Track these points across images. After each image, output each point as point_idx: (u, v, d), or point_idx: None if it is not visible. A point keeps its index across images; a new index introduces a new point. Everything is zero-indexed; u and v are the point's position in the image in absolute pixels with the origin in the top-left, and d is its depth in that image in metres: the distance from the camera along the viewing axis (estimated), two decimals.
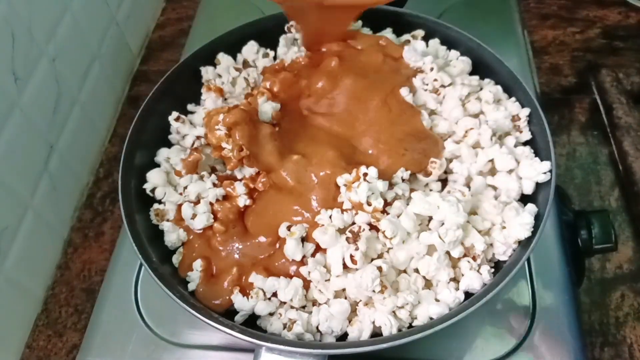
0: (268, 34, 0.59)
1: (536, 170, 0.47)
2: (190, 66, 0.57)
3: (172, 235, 0.48)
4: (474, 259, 0.44)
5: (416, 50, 0.54)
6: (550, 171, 0.47)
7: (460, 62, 0.55)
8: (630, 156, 0.68)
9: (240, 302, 0.44)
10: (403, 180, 0.47)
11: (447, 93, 0.52)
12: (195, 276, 0.46)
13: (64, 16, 0.65)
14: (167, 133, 0.55)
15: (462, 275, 0.44)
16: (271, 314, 0.44)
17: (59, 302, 0.63)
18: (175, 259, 0.48)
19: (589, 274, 0.62)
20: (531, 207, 0.46)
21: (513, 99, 0.53)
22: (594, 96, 0.77)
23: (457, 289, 0.44)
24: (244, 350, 0.50)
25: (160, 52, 0.86)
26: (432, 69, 0.53)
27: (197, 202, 0.48)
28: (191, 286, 0.46)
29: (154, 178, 0.50)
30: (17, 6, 0.56)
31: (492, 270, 0.45)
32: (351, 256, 0.42)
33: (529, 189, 0.47)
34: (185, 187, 0.49)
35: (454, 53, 0.56)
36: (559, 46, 0.83)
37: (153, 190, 0.50)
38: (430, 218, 0.44)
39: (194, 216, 0.47)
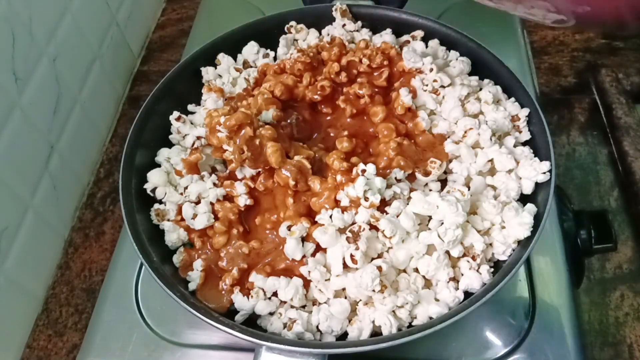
0: (268, 34, 0.59)
1: (536, 170, 0.47)
2: (191, 66, 0.57)
3: (173, 235, 0.48)
4: (474, 258, 0.44)
5: (415, 51, 0.55)
6: (550, 171, 0.47)
7: (459, 63, 0.55)
8: (629, 156, 0.68)
9: (240, 301, 0.44)
10: (397, 180, 0.47)
11: (447, 93, 0.52)
12: (195, 276, 0.46)
13: (64, 16, 0.65)
14: (167, 133, 0.55)
15: (462, 274, 0.44)
16: (271, 314, 0.45)
17: (59, 302, 0.63)
18: (176, 259, 0.48)
19: (588, 274, 0.62)
20: (531, 207, 0.46)
21: (512, 99, 0.53)
22: (594, 96, 0.77)
23: (456, 288, 0.44)
24: (244, 350, 0.50)
25: (160, 52, 0.86)
26: (431, 70, 0.53)
27: (197, 202, 0.48)
28: (192, 286, 0.46)
29: (154, 178, 0.50)
30: (17, 6, 0.56)
31: (492, 270, 0.45)
32: (351, 256, 0.42)
33: (528, 189, 0.47)
34: (186, 187, 0.49)
35: (454, 53, 0.56)
36: (559, 46, 0.83)
37: (153, 190, 0.50)
38: (430, 218, 0.44)
39: (194, 216, 0.47)
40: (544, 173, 0.46)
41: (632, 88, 0.76)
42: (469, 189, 0.46)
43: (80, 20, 0.68)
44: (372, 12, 0.60)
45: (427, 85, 0.53)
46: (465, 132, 0.49)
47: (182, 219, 0.48)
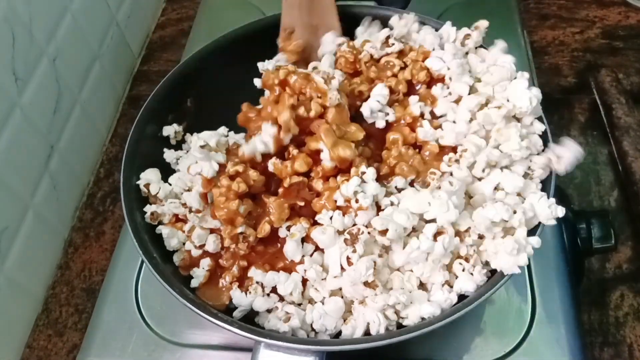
0: (268, 34, 0.59)
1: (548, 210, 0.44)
2: (192, 66, 0.57)
3: (173, 241, 0.47)
4: (467, 260, 0.44)
5: (441, 59, 0.51)
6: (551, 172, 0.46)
7: (498, 69, 0.50)
8: (629, 156, 0.68)
9: (238, 297, 0.44)
10: (398, 189, 0.46)
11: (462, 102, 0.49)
12: (200, 274, 0.46)
13: (64, 16, 0.65)
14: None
15: (456, 277, 0.44)
16: (269, 311, 0.44)
17: (59, 302, 0.63)
18: (176, 257, 0.48)
19: (588, 274, 0.62)
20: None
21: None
22: (594, 96, 0.77)
23: (450, 291, 0.44)
24: (243, 350, 0.50)
25: (160, 52, 0.86)
26: (450, 79, 0.50)
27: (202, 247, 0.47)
28: (194, 283, 0.46)
29: (147, 174, 0.49)
30: (17, 6, 0.56)
31: (488, 272, 0.44)
32: (348, 258, 0.42)
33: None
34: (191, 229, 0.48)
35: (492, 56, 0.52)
36: (559, 46, 0.83)
37: (147, 187, 0.49)
38: (426, 222, 0.44)
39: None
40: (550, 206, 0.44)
41: (632, 88, 0.76)
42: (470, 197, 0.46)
43: (80, 20, 0.68)
44: (375, 12, 0.60)
45: (449, 94, 0.49)
46: (461, 153, 0.46)
47: (177, 221, 0.48)
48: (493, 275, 0.44)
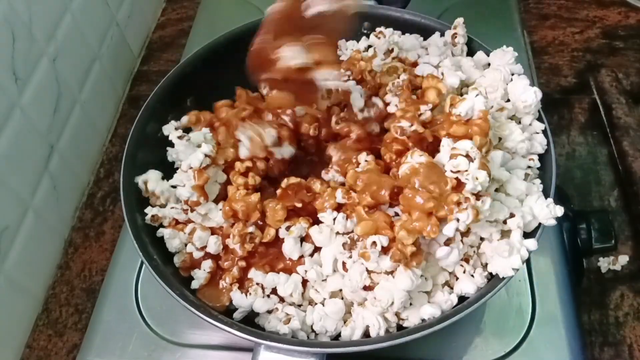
0: None
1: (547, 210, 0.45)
2: (192, 66, 0.57)
3: (174, 242, 0.48)
4: (467, 261, 0.44)
5: (428, 64, 0.53)
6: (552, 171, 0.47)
7: (492, 71, 0.51)
8: (629, 156, 0.68)
9: (238, 298, 0.44)
10: None
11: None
12: (201, 275, 0.46)
13: (64, 16, 0.65)
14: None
15: (457, 279, 0.44)
16: (269, 312, 0.44)
17: (59, 302, 0.63)
18: (177, 259, 0.48)
19: (588, 274, 0.62)
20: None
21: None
22: (594, 96, 0.77)
23: (450, 292, 0.44)
24: (243, 350, 0.50)
25: (160, 52, 0.86)
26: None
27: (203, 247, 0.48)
28: (194, 284, 0.46)
29: (148, 175, 0.49)
30: (17, 6, 0.56)
31: (489, 272, 0.44)
32: (343, 263, 0.42)
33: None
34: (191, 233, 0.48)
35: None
36: (559, 46, 0.83)
37: (146, 185, 0.49)
38: None
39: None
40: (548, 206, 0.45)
41: (632, 88, 0.76)
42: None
43: (80, 20, 0.68)
44: (375, 12, 0.60)
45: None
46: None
47: (177, 223, 0.48)
48: (493, 277, 0.44)
